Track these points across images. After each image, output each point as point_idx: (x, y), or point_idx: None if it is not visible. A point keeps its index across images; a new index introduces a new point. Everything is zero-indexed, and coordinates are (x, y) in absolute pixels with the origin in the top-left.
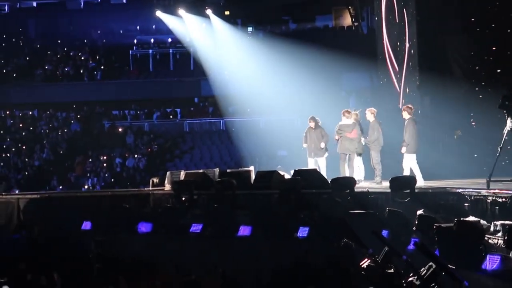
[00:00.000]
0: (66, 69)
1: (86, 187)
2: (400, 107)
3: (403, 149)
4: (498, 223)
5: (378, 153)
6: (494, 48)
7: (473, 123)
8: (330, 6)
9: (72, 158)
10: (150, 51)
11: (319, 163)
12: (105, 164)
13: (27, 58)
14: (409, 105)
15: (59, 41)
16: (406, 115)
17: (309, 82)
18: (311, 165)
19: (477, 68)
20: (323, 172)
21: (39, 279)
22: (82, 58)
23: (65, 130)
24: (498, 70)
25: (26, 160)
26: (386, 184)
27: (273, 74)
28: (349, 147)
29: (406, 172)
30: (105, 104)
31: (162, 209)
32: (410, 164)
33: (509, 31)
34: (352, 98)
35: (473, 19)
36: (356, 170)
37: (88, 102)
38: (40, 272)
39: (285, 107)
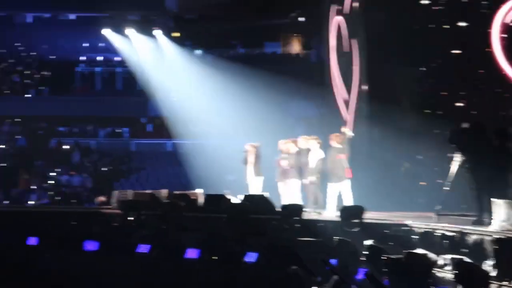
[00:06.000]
0: (13, 82)
1: (30, 202)
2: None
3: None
4: (447, 256)
5: None
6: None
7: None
8: (279, 33)
9: (18, 174)
10: (98, 69)
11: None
12: (49, 182)
13: None
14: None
15: (4, 55)
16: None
17: (257, 107)
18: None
19: (424, 101)
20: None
21: None
22: (29, 72)
23: (11, 145)
24: (445, 104)
25: None
26: None
27: (221, 97)
28: None
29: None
30: (50, 120)
31: (108, 228)
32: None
33: (454, 66)
34: (300, 125)
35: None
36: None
37: (33, 117)
38: None
39: (233, 132)
